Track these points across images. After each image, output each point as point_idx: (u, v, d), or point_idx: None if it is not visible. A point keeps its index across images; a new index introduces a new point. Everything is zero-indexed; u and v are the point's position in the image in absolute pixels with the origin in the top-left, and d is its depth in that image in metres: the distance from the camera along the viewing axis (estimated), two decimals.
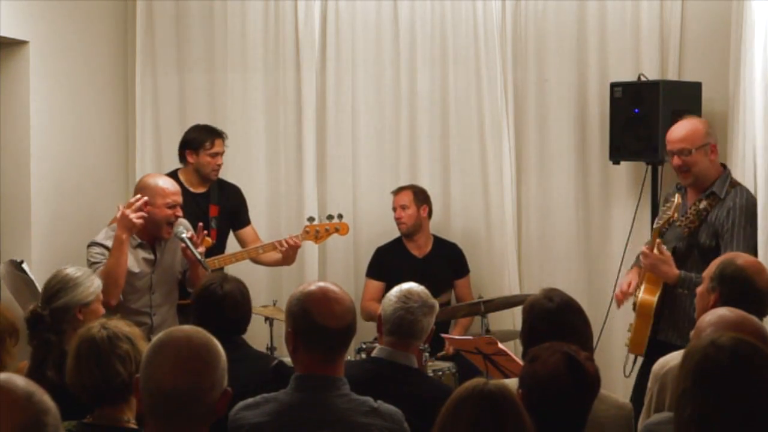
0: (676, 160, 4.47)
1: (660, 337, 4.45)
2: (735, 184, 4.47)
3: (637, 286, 4.51)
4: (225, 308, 3.67)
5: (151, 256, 4.76)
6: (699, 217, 4.42)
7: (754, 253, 4.33)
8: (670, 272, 4.31)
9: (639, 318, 4.41)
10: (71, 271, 3.70)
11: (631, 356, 4.60)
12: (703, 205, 4.41)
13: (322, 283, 2.99)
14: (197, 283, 4.66)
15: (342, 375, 2.92)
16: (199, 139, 5.38)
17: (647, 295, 4.40)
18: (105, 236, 4.71)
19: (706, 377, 2.30)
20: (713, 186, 4.44)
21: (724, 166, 4.58)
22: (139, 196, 4.64)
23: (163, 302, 4.81)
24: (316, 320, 2.87)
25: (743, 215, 4.35)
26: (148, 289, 4.75)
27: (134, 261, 4.69)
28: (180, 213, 4.73)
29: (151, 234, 4.72)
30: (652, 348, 4.36)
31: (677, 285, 4.34)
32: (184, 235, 4.67)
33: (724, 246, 4.33)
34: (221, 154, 5.40)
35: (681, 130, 4.51)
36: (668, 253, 4.33)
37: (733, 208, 4.37)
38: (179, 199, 4.74)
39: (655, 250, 4.34)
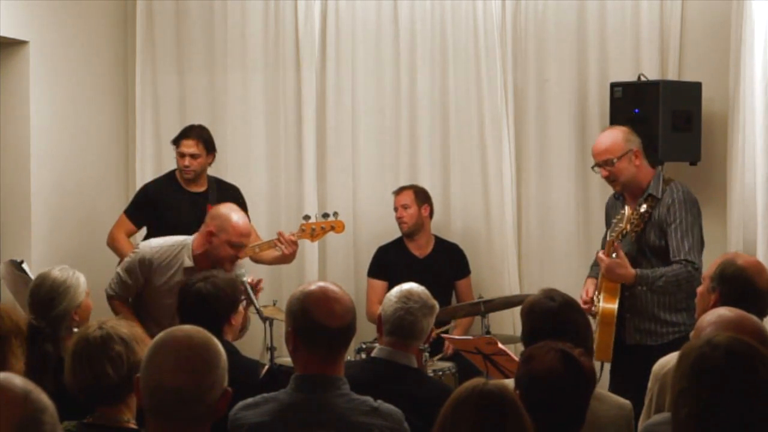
0: (603, 172, 4.58)
1: (629, 341, 4.51)
2: (669, 181, 4.56)
3: (596, 295, 4.56)
4: (202, 304, 3.64)
5: None
6: (642, 220, 4.49)
7: (700, 240, 4.46)
8: (626, 274, 4.39)
9: (602, 326, 4.44)
10: (57, 274, 3.62)
11: (598, 363, 4.59)
12: (643, 208, 4.49)
13: (322, 283, 2.99)
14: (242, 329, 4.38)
15: (342, 375, 2.92)
16: (177, 137, 5.45)
17: (607, 304, 4.45)
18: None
19: (702, 377, 2.30)
20: (649, 188, 4.53)
21: (653, 166, 4.65)
22: None
23: None
24: (315, 319, 2.87)
25: (682, 207, 4.46)
26: None
27: (174, 284, 4.40)
28: (241, 256, 4.53)
29: (210, 264, 4.43)
30: (622, 353, 4.42)
31: (636, 284, 4.42)
32: (245, 279, 4.35)
33: (670, 239, 4.43)
34: (189, 155, 5.35)
35: (602, 142, 4.63)
36: (623, 256, 4.40)
37: (671, 203, 4.47)
38: (247, 241, 4.56)
39: (613, 255, 4.41)
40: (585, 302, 4.56)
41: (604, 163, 4.55)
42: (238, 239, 4.46)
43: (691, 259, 4.37)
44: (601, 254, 4.45)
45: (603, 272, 4.44)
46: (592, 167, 4.68)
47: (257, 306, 4.38)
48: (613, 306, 4.43)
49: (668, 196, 4.48)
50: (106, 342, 2.81)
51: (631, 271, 4.37)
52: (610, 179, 4.57)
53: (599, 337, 4.42)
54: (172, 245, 4.57)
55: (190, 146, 5.38)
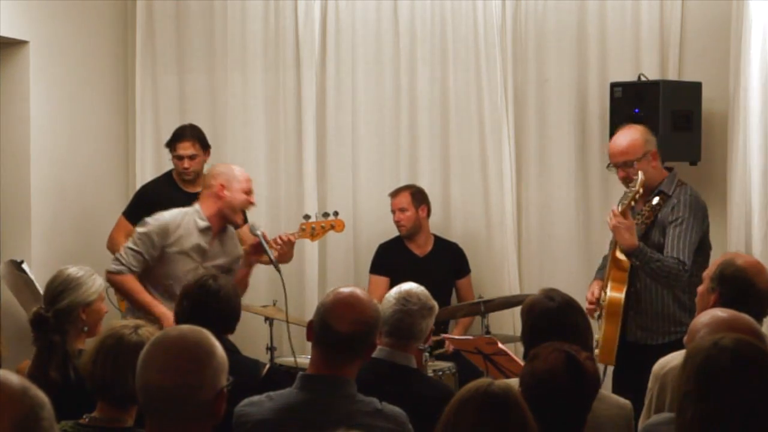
0: (620, 173, 4.47)
1: (629, 338, 4.44)
2: (682, 184, 4.50)
3: (602, 291, 4.50)
4: (219, 302, 3.64)
5: (206, 246, 4.64)
6: (654, 212, 4.43)
7: (696, 243, 4.36)
8: (631, 239, 4.26)
9: (608, 319, 4.37)
10: (73, 271, 3.67)
11: (600, 366, 4.53)
12: (656, 200, 4.43)
13: (352, 288, 3.05)
14: (243, 287, 4.63)
15: (351, 378, 2.94)
16: (170, 140, 5.45)
17: (615, 293, 4.38)
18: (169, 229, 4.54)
19: (709, 379, 2.29)
20: (661, 185, 4.46)
21: (670, 169, 4.58)
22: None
23: None
24: (325, 319, 2.93)
25: (686, 209, 4.38)
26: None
27: (191, 246, 4.58)
28: (254, 201, 4.72)
29: (223, 220, 4.66)
30: (622, 350, 4.35)
31: (632, 254, 4.30)
32: (258, 232, 4.63)
33: (667, 236, 4.35)
34: (187, 157, 5.36)
35: (621, 142, 4.50)
36: (632, 221, 4.31)
37: (677, 204, 4.40)
38: (252, 187, 4.72)
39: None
40: (591, 302, 4.50)
41: (623, 164, 4.44)
42: (247, 184, 4.67)
43: (683, 259, 4.29)
44: (614, 209, 4.31)
45: (611, 229, 4.31)
46: (608, 166, 4.59)
47: (271, 256, 4.59)
48: (620, 295, 4.35)
49: (676, 197, 4.42)
50: (137, 350, 2.78)
51: (635, 240, 4.26)
52: (627, 180, 4.43)
53: (604, 334, 4.35)
54: (178, 213, 4.62)
55: (186, 148, 5.39)
